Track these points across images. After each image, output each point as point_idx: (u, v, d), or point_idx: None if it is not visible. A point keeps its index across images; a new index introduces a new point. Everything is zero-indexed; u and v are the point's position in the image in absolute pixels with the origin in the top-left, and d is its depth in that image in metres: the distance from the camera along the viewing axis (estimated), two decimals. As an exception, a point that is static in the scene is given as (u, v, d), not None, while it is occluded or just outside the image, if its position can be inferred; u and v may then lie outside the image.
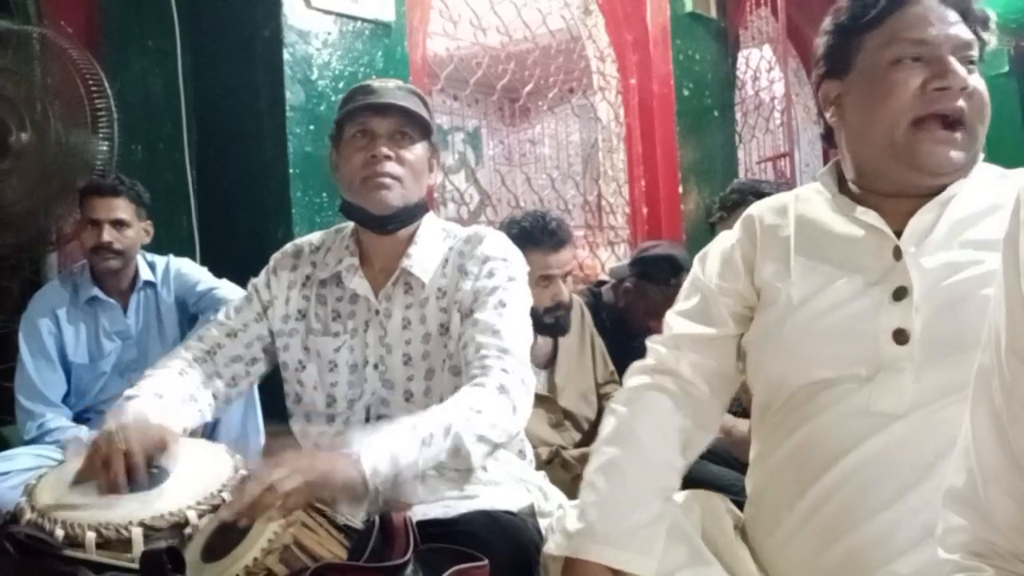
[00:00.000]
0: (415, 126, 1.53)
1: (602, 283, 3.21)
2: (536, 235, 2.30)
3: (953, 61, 1.10)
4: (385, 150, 1.49)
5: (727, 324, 1.23)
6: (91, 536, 1.05)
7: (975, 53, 1.13)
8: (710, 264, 1.28)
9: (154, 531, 1.07)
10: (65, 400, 2.42)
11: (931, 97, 1.10)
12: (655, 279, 2.93)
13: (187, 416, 1.43)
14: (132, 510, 1.10)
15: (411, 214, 1.56)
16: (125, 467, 1.16)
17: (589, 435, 2.55)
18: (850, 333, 1.09)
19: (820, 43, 1.22)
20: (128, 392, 1.40)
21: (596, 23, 4.26)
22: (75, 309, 2.46)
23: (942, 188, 1.13)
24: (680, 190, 4.28)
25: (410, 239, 1.56)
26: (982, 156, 1.18)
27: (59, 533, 1.06)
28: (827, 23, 1.21)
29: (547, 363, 2.50)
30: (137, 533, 1.06)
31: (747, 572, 1.13)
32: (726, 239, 1.29)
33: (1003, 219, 1.00)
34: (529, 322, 1.52)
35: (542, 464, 2.16)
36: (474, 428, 1.29)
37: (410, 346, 1.52)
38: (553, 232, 2.33)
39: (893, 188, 1.16)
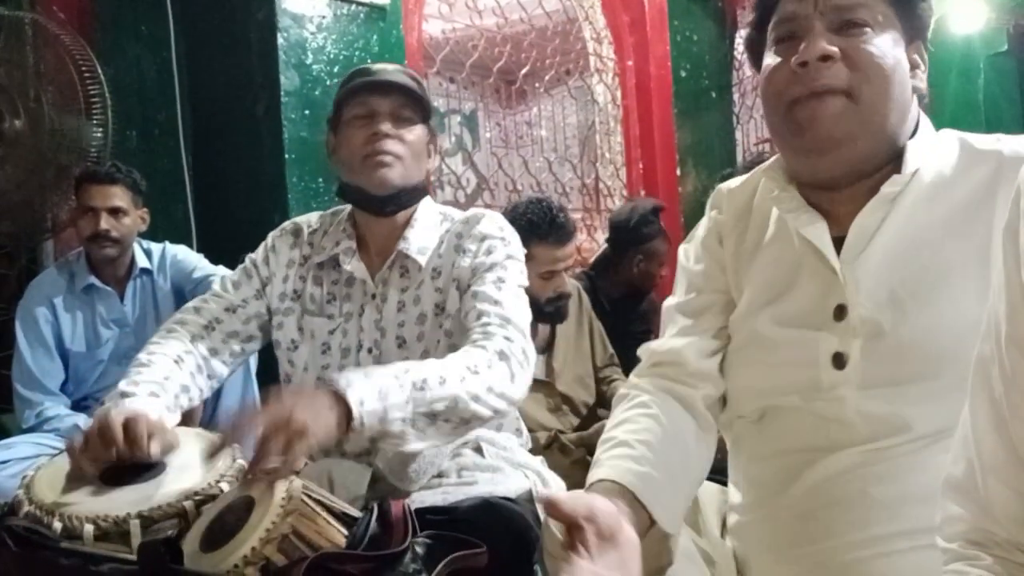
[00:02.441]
0: (415, 107, 1.54)
1: (595, 266, 3.23)
2: (543, 229, 2.29)
3: (816, 31, 1.01)
4: (387, 128, 1.49)
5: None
6: (89, 528, 1.05)
7: (862, 14, 1.02)
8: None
9: (152, 522, 1.07)
10: (63, 388, 2.42)
11: (798, 77, 1.02)
12: (652, 234, 3.07)
13: (182, 406, 1.43)
14: (130, 502, 1.10)
15: (409, 196, 1.55)
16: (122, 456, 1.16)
17: (587, 419, 2.56)
18: (793, 356, 1.04)
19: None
20: (123, 387, 1.37)
21: (593, 4, 4.23)
22: (72, 297, 2.46)
23: (879, 176, 1.04)
24: (678, 172, 4.27)
25: (407, 222, 1.56)
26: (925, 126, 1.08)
27: (57, 525, 1.06)
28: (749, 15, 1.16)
29: (545, 348, 2.50)
30: (135, 525, 1.06)
31: (727, 562, 1.12)
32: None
33: (965, 203, 0.98)
34: (527, 301, 1.52)
35: (540, 449, 2.16)
36: (469, 387, 1.27)
37: (403, 328, 1.52)
38: (561, 226, 2.32)
39: (813, 180, 1.08)
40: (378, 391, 1.18)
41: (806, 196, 1.09)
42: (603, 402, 2.65)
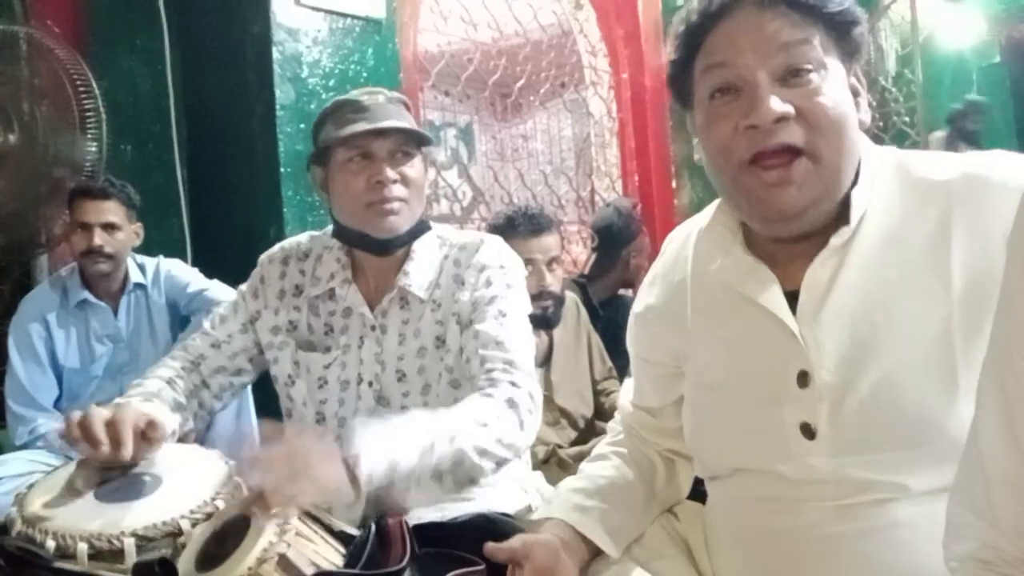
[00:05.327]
0: (412, 142, 1.49)
1: (588, 274, 3.25)
2: (516, 222, 2.36)
3: (763, 87, 0.92)
4: (391, 173, 1.44)
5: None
6: (83, 547, 1.04)
7: (808, 56, 0.93)
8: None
9: (147, 541, 1.06)
10: (57, 404, 2.41)
11: (747, 137, 0.94)
12: (638, 229, 3.30)
13: (175, 421, 1.41)
14: (124, 520, 1.08)
15: (413, 234, 1.51)
16: (111, 436, 1.17)
17: (585, 433, 2.54)
18: (756, 428, 1.00)
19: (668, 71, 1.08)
20: (118, 400, 1.36)
21: (587, 17, 4.25)
22: (65, 312, 2.44)
23: (831, 226, 0.98)
24: (674, 184, 4.28)
25: (406, 254, 1.51)
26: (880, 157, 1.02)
27: (50, 544, 1.04)
28: (668, 49, 1.06)
29: (543, 361, 2.48)
30: (130, 543, 1.04)
31: None
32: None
33: (919, 252, 0.93)
34: (530, 329, 1.50)
35: (539, 464, 2.15)
36: (478, 441, 1.24)
37: (403, 361, 1.48)
38: (532, 218, 2.38)
39: (767, 235, 1.02)
40: (389, 462, 1.13)
41: (753, 245, 1.04)
42: (601, 415, 2.64)
